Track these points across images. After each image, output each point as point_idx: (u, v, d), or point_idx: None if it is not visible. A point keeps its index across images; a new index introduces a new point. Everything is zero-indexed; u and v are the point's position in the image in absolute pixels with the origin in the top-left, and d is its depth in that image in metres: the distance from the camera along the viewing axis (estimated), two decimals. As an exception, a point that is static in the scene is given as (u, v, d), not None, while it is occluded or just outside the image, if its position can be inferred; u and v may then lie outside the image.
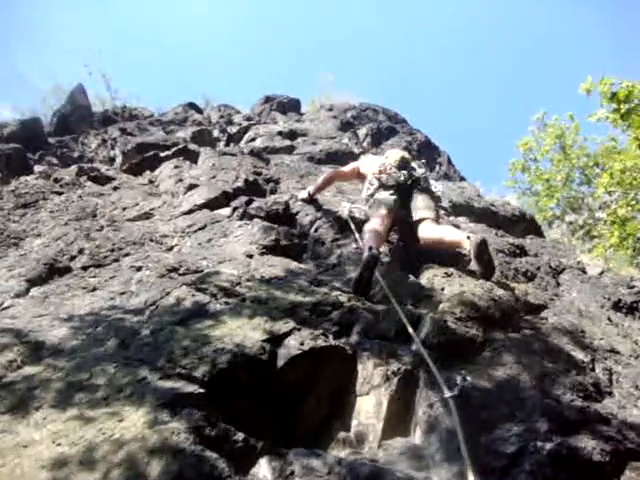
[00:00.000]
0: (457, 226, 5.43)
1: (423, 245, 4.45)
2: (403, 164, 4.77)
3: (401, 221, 4.69)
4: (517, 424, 2.61)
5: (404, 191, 4.66)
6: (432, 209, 4.61)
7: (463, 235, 4.22)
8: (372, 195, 4.72)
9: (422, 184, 4.78)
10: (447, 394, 2.68)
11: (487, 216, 6.96)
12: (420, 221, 4.51)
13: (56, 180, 6.57)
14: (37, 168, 7.21)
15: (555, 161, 13.28)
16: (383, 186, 4.69)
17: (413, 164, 4.98)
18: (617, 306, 4.75)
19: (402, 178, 4.65)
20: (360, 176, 5.43)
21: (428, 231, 4.42)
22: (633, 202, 8.36)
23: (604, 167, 11.45)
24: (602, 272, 5.68)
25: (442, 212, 5.30)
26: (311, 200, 5.48)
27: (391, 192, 4.63)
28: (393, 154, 4.90)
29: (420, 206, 4.58)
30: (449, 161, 10.47)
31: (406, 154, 5.06)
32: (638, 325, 4.36)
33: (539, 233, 7.66)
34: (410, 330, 3.18)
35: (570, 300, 4.66)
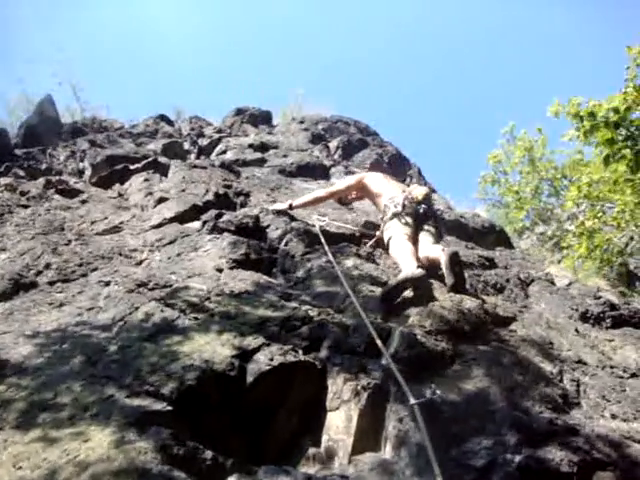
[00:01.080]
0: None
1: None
2: (425, 199, 5.04)
3: None
4: (487, 437, 2.62)
5: (419, 217, 4.91)
6: (432, 234, 4.82)
7: (440, 249, 4.33)
8: (396, 216, 4.91)
9: (433, 216, 5.10)
10: (412, 401, 2.68)
11: (457, 228, 7.03)
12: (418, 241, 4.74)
13: (22, 193, 6.45)
14: (3, 180, 7.04)
15: (524, 173, 13.49)
16: (405, 212, 4.92)
17: (432, 200, 5.35)
18: (584, 317, 4.82)
19: (421, 211, 4.92)
20: (364, 190, 5.65)
21: (423, 248, 4.61)
22: (600, 214, 8.53)
23: (571, 179, 11.66)
24: (570, 283, 5.76)
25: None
26: (285, 212, 5.50)
27: (410, 219, 4.87)
28: (419, 190, 5.16)
29: (425, 230, 4.84)
30: (419, 173, 10.55)
31: (429, 192, 5.38)
32: (604, 335, 4.42)
33: (509, 244, 7.76)
34: (379, 344, 3.18)
35: (539, 312, 4.72)
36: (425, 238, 4.74)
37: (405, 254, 4.37)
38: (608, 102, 6.50)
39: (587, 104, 6.79)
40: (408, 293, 3.99)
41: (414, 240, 4.70)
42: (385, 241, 4.87)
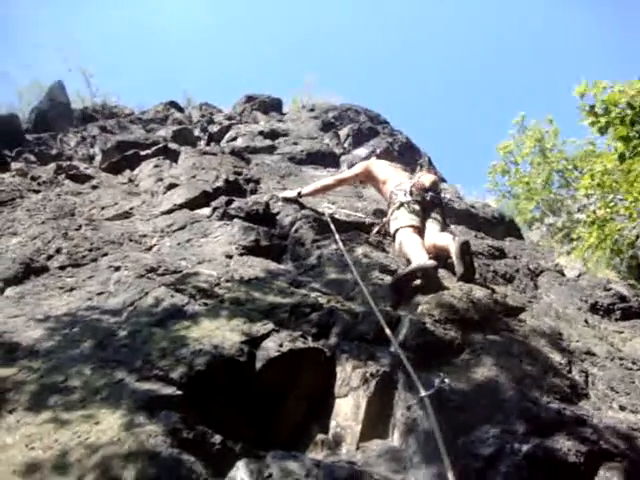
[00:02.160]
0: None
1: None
2: (432, 187, 5.03)
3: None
4: (495, 426, 2.62)
5: (426, 205, 4.89)
6: (439, 221, 4.81)
7: (450, 237, 4.33)
8: (403, 204, 4.87)
9: (440, 204, 5.10)
10: (423, 393, 2.68)
11: (467, 218, 7.01)
12: (425, 228, 4.72)
13: (33, 178, 6.47)
14: (14, 165, 7.08)
15: (535, 164, 13.41)
16: (413, 200, 4.89)
17: (439, 188, 5.32)
18: (594, 308, 4.81)
19: (428, 198, 4.89)
20: (370, 177, 5.63)
21: (429, 236, 4.60)
22: (612, 204, 8.45)
23: (582, 170, 11.57)
24: (580, 274, 5.75)
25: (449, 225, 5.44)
26: (294, 200, 5.50)
27: (418, 207, 4.84)
28: (427, 178, 5.13)
29: (431, 218, 4.82)
30: (430, 163, 10.49)
31: (437, 179, 5.36)
32: (614, 327, 4.41)
33: (518, 235, 7.73)
34: (388, 332, 3.18)
35: (548, 302, 4.71)
36: (432, 226, 4.71)
37: (415, 247, 4.33)
38: (630, 86, 6.42)
39: (612, 89, 6.69)
40: (417, 282, 3.98)
41: (421, 229, 4.67)
42: (391, 232, 4.83)
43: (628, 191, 7.63)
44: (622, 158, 6.29)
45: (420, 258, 4.08)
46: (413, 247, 4.35)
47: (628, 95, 6.52)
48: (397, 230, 4.69)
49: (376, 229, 5.24)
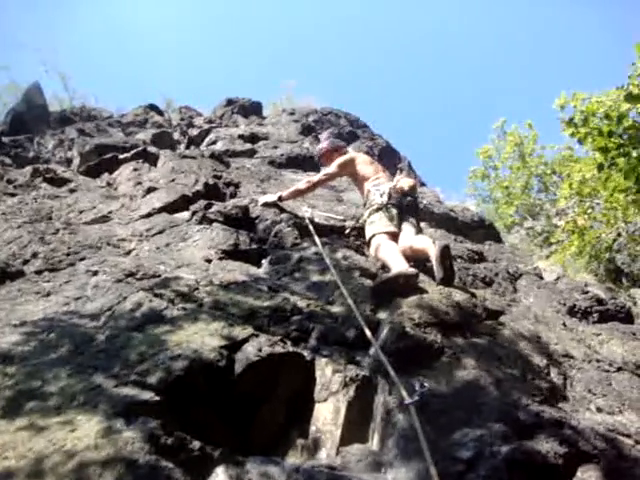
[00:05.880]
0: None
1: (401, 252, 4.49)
2: (410, 191, 5.02)
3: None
4: (474, 429, 2.63)
5: (403, 209, 4.88)
6: (414, 225, 4.80)
7: (429, 241, 4.32)
8: (381, 208, 4.86)
9: (416, 209, 5.10)
10: (407, 400, 2.68)
11: (446, 221, 7.05)
12: (400, 231, 4.71)
13: (9, 181, 6.39)
14: (-11, 168, 7.00)
15: (514, 169, 13.55)
16: (390, 203, 4.88)
17: (417, 192, 5.29)
18: (572, 311, 4.85)
19: (405, 203, 4.91)
20: (351, 169, 5.51)
21: (405, 238, 4.59)
22: (589, 211, 8.58)
23: (561, 175, 11.72)
24: (558, 278, 5.80)
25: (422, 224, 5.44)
26: (274, 204, 5.47)
27: (396, 210, 4.84)
28: (406, 182, 5.09)
29: (408, 222, 4.80)
30: (410, 166, 10.56)
31: (415, 184, 5.34)
32: (591, 330, 4.45)
33: (498, 239, 7.78)
34: (369, 335, 3.18)
35: (527, 305, 4.74)
36: (408, 229, 4.71)
37: (393, 254, 4.33)
38: (607, 96, 6.56)
39: (590, 100, 6.84)
40: (398, 288, 3.99)
41: (396, 234, 4.67)
42: (367, 236, 4.81)
43: (607, 200, 7.75)
44: (600, 168, 6.40)
45: (400, 265, 4.08)
46: (390, 254, 4.35)
47: (606, 105, 6.65)
48: (373, 236, 4.69)
49: (350, 227, 5.24)
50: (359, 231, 5.14)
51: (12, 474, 1.97)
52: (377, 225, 4.74)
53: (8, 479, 1.94)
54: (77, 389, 2.51)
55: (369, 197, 5.03)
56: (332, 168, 5.62)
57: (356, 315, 3.38)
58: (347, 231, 5.26)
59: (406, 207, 4.87)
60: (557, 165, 12.58)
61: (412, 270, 3.98)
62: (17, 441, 2.13)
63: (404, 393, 2.73)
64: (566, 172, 10.43)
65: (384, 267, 4.37)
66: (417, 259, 4.37)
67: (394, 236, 4.63)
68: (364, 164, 5.51)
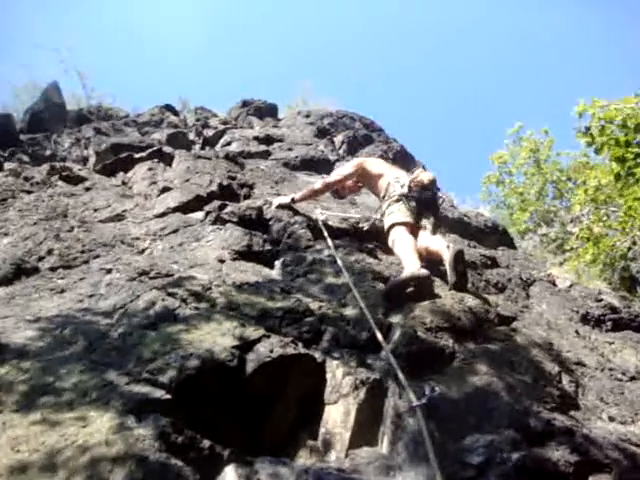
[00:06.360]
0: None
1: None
2: (430, 185, 4.91)
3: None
4: (485, 435, 2.62)
5: (421, 204, 4.79)
6: (432, 223, 4.75)
7: (444, 244, 4.27)
8: (401, 199, 4.78)
9: (435, 204, 4.97)
10: (415, 403, 2.68)
11: (460, 226, 7.03)
12: (418, 229, 4.65)
13: (26, 178, 6.45)
14: (7, 165, 7.07)
15: (529, 175, 13.48)
16: (410, 195, 4.79)
17: (437, 187, 5.13)
18: (585, 319, 4.83)
19: (425, 197, 4.80)
20: (364, 174, 5.45)
21: (421, 239, 4.53)
22: (604, 218, 8.53)
23: (576, 182, 11.65)
24: (571, 285, 5.76)
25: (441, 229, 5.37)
26: (288, 206, 5.47)
27: (414, 204, 4.75)
28: (426, 175, 4.99)
29: (426, 218, 4.76)
30: (424, 170, 10.52)
31: (436, 178, 5.13)
32: (604, 338, 4.42)
33: (511, 245, 7.75)
34: (380, 339, 3.18)
35: (539, 312, 4.72)
36: (425, 229, 4.66)
37: (408, 251, 4.28)
38: (626, 102, 6.52)
39: (608, 107, 6.80)
40: (410, 289, 3.98)
41: (415, 227, 4.62)
42: (386, 227, 4.75)
43: (625, 210, 7.69)
44: (618, 178, 6.38)
45: (413, 265, 4.04)
46: (406, 250, 4.30)
47: (624, 113, 6.61)
48: (392, 226, 4.63)
49: (369, 223, 5.20)
50: (376, 230, 5.10)
51: (25, 467, 1.98)
52: (396, 215, 4.68)
53: (21, 472, 1.96)
54: (90, 385, 2.52)
55: (389, 190, 4.93)
56: (348, 168, 5.61)
57: (368, 318, 3.38)
58: (365, 227, 5.24)
59: (425, 201, 4.78)
60: (572, 172, 12.51)
61: (424, 272, 3.95)
62: (30, 435, 2.15)
63: (412, 395, 2.72)
64: (581, 179, 10.37)
65: (400, 263, 4.34)
66: (431, 260, 4.34)
67: (413, 228, 4.58)
68: (380, 164, 5.50)
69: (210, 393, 2.70)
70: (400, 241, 4.44)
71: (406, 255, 4.26)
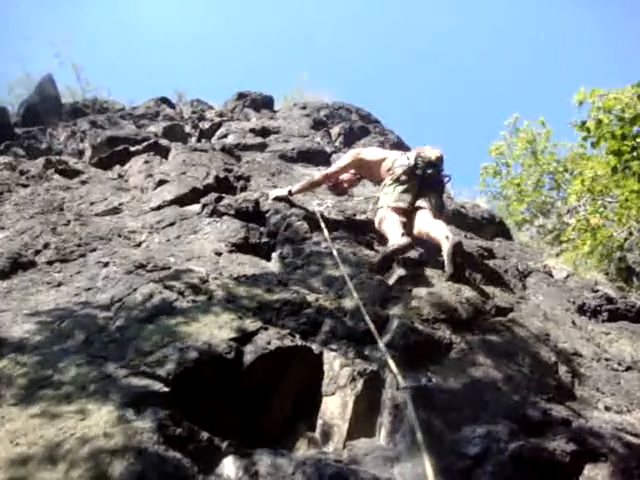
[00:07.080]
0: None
1: (416, 235, 4.48)
2: (438, 161, 4.84)
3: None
4: (481, 425, 2.63)
5: (424, 182, 4.74)
6: (434, 204, 4.71)
7: (444, 234, 4.24)
8: (400, 177, 4.75)
9: (440, 184, 4.93)
10: (402, 384, 2.70)
11: (457, 218, 7.02)
12: (418, 209, 4.63)
13: (22, 172, 6.43)
14: (2, 159, 7.03)
15: (526, 166, 13.48)
16: (412, 173, 4.74)
17: (443, 165, 5.04)
18: (581, 310, 4.84)
19: (427, 174, 4.74)
20: (362, 165, 5.42)
21: (423, 221, 4.51)
22: (601, 209, 8.55)
23: (573, 172, 11.66)
24: (568, 276, 5.77)
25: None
26: (285, 198, 5.46)
27: (414, 183, 4.72)
28: (434, 151, 4.89)
29: (427, 200, 4.70)
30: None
31: (442, 155, 5.01)
32: (600, 329, 4.44)
33: (508, 236, 7.76)
34: (374, 331, 3.18)
35: (536, 303, 4.72)
36: (426, 209, 4.62)
37: (393, 226, 4.34)
38: (624, 93, 6.54)
39: (607, 96, 6.81)
40: (402, 273, 4.03)
41: (409, 210, 4.60)
42: (378, 205, 4.78)
43: (621, 202, 7.70)
44: (614, 171, 6.39)
45: (395, 236, 4.14)
46: (391, 226, 4.37)
47: (622, 102, 6.61)
48: (382, 207, 4.66)
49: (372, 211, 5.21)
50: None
51: (25, 460, 1.99)
52: (390, 197, 4.68)
53: (21, 465, 1.97)
54: (88, 378, 2.53)
55: (394, 165, 4.88)
56: (345, 159, 5.59)
57: (362, 310, 3.38)
58: (368, 215, 5.26)
59: (427, 179, 4.73)
60: (569, 162, 12.51)
61: (404, 240, 4.05)
62: (29, 428, 2.16)
63: (400, 378, 2.74)
64: (578, 170, 10.37)
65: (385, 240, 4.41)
66: (430, 246, 4.37)
67: (404, 212, 4.57)
68: (379, 150, 5.56)
69: (208, 385, 2.70)
70: (386, 220, 4.50)
71: (390, 230, 4.32)
